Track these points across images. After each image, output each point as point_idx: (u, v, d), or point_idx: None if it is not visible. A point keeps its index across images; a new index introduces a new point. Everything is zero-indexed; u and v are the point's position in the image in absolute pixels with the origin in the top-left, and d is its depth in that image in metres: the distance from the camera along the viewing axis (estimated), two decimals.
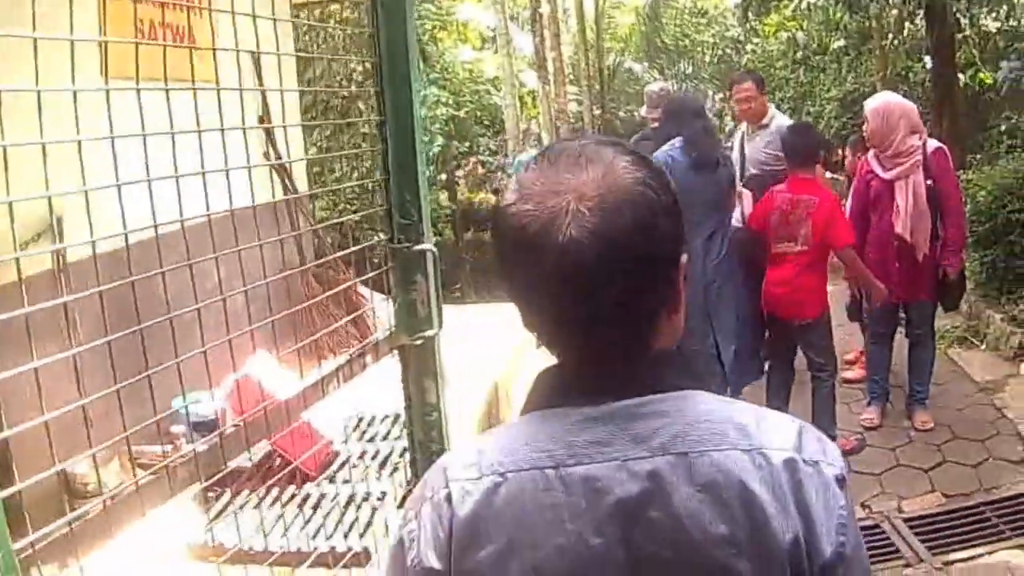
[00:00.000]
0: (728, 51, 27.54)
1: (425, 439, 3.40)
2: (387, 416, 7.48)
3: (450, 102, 19.55)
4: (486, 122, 20.23)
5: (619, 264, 1.62)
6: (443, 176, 21.86)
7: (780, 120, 9.51)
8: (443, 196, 20.61)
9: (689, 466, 1.66)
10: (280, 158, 10.29)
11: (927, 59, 16.60)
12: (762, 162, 9.26)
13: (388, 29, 3.16)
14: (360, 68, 20.14)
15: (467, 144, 20.56)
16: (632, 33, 30.34)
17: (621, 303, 1.66)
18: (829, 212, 7.64)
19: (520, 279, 1.71)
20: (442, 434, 3.42)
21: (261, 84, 10.25)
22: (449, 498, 1.74)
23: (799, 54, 21.00)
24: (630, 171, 1.68)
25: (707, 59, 28.94)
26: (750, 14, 21.86)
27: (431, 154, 19.08)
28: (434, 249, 3.27)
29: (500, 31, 15.95)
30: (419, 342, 3.35)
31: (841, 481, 1.72)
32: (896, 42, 16.75)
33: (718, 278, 7.78)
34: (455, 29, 21.66)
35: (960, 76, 15.67)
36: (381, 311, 10.92)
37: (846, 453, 7.78)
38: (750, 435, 1.71)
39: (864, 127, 8.04)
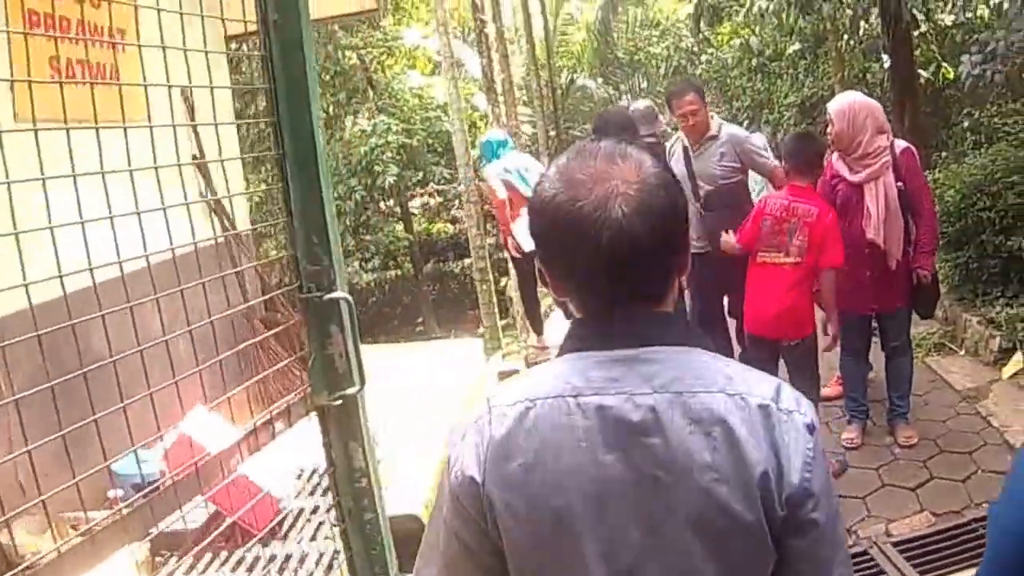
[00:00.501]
0: (683, 62, 27.12)
1: (356, 507, 3.08)
2: None
3: (401, 130, 19.30)
4: (439, 149, 19.78)
5: (658, 235, 2.05)
6: (398, 208, 21.48)
7: (729, 128, 9.00)
8: (399, 228, 20.23)
9: (683, 403, 2.05)
10: (219, 201, 9.94)
11: (885, 58, 16.37)
12: (719, 176, 8.75)
13: (282, 48, 2.81)
14: None
15: (420, 174, 20.21)
16: (584, 50, 30.05)
17: (654, 266, 2.11)
18: (828, 226, 7.27)
19: (571, 254, 2.10)
20: (375, 501, 3.08)
21: (193, 121, 10.02)
22: (489, 420, 2.15)
23: (754, 61, 20.68)
24: (654, 164, 2.15)
25: (661, 72, 28.55)
26: (702, 24, 21.74)
27: (386, 185, 18.88)
28: (348, 297, 2.92)
29: (444, 53, 15.49)
30: (339, 402, 2.95)
31: (811, 428, 2.11)
32: (852, 43, 16.48)
33: None
34: (403, 55, 21.22)
35: (922, 73, 15.38)
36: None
37: None
38: (735, 383, 2.10)
39: (828, 130, 7.66)
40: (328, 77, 19.15)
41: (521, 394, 2.17)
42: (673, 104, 8.85)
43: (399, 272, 22.69)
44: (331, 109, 19.87)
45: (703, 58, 25.91)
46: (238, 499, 5.87)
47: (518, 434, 2.12)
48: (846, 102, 7.75)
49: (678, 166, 8.81)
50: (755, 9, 15.30)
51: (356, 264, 22.66)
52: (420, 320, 20.96)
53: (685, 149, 8.90)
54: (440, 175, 20.53)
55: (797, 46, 18.88)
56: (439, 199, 24.02)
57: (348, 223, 18.67)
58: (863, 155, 7.50)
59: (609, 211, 2.05)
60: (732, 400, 2.08)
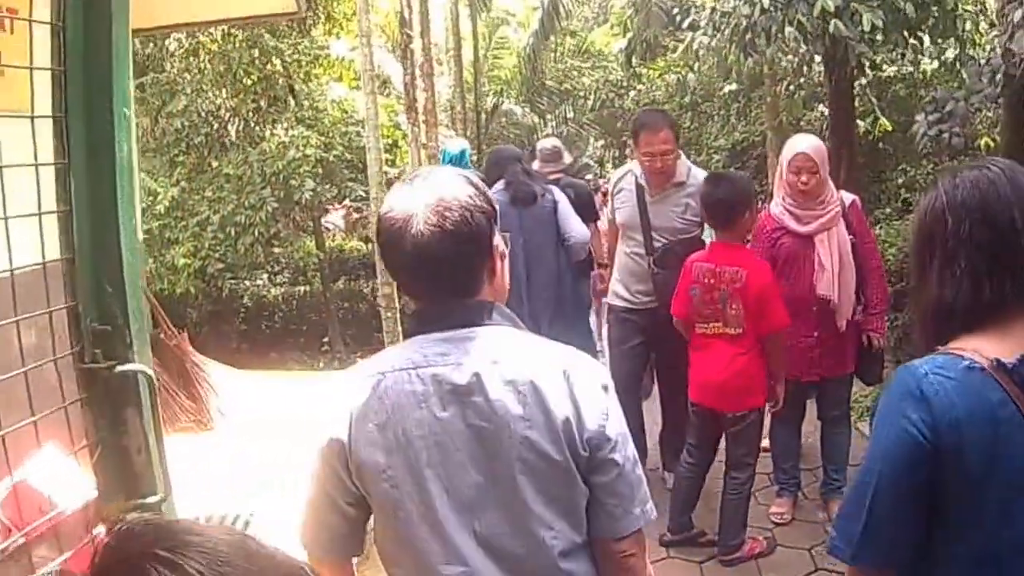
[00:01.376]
0: (611, 95, 26.34)
1: None
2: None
3: (319, 144, 18.44)
4: (360, 166, 18.77)
5: (450, 244, 2.62)
6: (310, 223, 20.64)
7: (699, 174, 7.57)
8: (310, 243, 19.23)
9: (499, 369, 2.63)
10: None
11: (820, 107, 15.72)
12: (679, 230, 7.51)
13: (84, 17, 1.90)
14: (225, 104, 18.73)
15: (335, 190, 19.39)
16: (514, 75, 29.26)
17: (454, 267, 2.68)
18: (761, 288, 6.38)
19: (392, 259, 2.74)
20: None
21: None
22: (349, 391, 2.71)
23: (687, 99, 19.88)
24: (457, 185, 2.71)
25: (589, 103, 27.81)
26: (634, 59, 21.19)
27: (303, 200, 17.93)
28: (149, 371, 2.04)
29: (365, 66, 14.52)
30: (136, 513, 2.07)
31: (605, 388, 2.74)
32: (791, 88, 15.68)
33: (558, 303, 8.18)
34: (329, 66, 20.25)
35: (859, 123, 14.63)
36: (236, 380, 8.96)
37: (755, 556, 6.80)
38: (542, 352, 2.75)
39: (790, 176, 6.73)
40: (250, 82, 18.33)
41: (374, 368, 2.75)
42: (641, 138, 7.39)
43: (308, 288, 21.75)
44: (250, 116, 19.09)
45: (631, 93, 25.05)
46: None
47: (372, 400, 2.66)
48: (817, 141, 7.06)
49: (626, 209, 7.75)
50: (695, 45, 14.40)
51: (265, 277, 21.82)
52: (326, 339, 20.03)
53: (640, 190, 7.60)
54: (356, 192, 19.53)
55: (733, 87, 18.08)
56: (356, 216, 23.03)
57: (258, 234, 17.72)
58: (820, 203, 6.81)
59: (410, 226, 2.60)
60: (539, 365, 2.66)
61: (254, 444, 8.55)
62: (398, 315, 15.11)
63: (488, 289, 2.78)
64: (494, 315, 2.77)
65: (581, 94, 28.74)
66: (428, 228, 2.58)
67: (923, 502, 2.47)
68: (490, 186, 7.37)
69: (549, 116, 29.21)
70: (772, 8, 11.11)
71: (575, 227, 8.21)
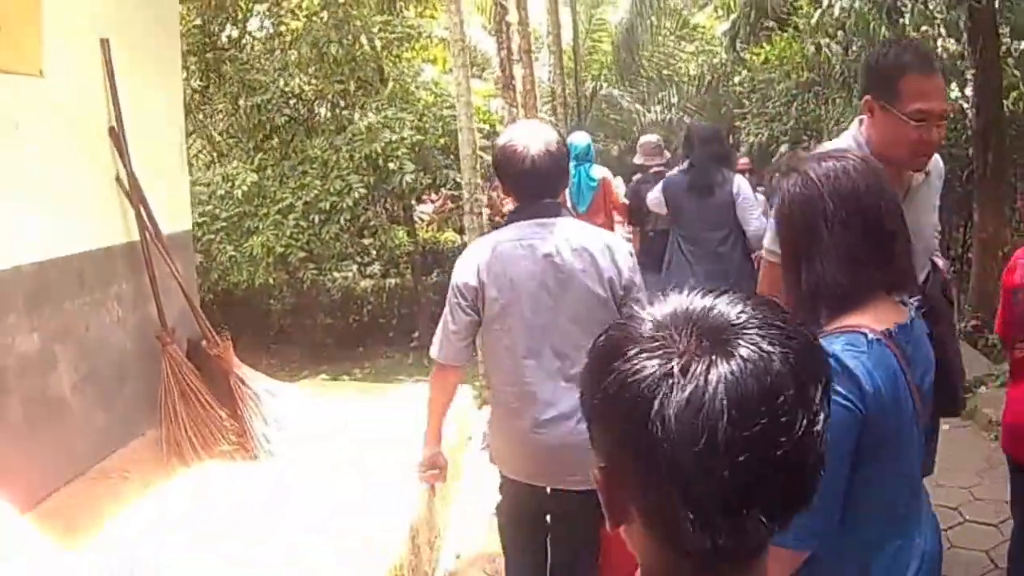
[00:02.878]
0: (716, 77, 24.57)
1: None
2: None
3: (413, 127, 16.86)
4: (455, 153, 17.01)
5: (552, 163, 4.59)
6: (402, 211, 19.29)
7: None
8: (401, 233, 17.74)
9: (568, 241, 4.55)
10: (136, 184, 7.43)
11: (952, 85, 13.86)
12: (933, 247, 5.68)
13: None
14: (310, 86, 17.19)
15: (430, 177, 17.73)
16: (613, 59, 27.43)
17: (551, 179, 4.66)
18: None
19: (511, 171, 4.65)
20: None
21: (111, 83, 7.57)
22: (478, 250, 4.71)
23: (804, 76, 17.84)
24: (551, 130, 4.85)
25: (692, 88, 25.98)
26: (738, 42, 20.50)
27: (402, 184, 16.47)
28: None
29: (453, 35, 12.82)
30: None
31: (631, 254, 4.74)
32: None
33: None
34: (422, 48, 18.65)
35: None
36: (290, 398, 6.96)
37: None
38: (594, 233, 4.77)
39: None
40: (336, 63, 16.88)
41: (492, 240, 4.74)
42: (904, 87, 4.02)
43: (399, 281, 20.09)
44: (336, 98, 17.70)
45: (735, 78, 23.29)
46: None
47: (492, 258, 4.60)
48: None
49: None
50: (836, 10, 12.51)
51: (354, 268, 20.28)
52: (416, 333, 18.31)
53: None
54: (453, 179, 17.82)
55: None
56: (452, 205, 21.34)
57: (344, 222, 16.28)
58: None
59: (528, 150, 4.58)
60: (592, 240, 4.63)
61: (300, 480, 7.09)
62: None
63: (561, 196, 4.99)
64: (563, 211, 4.79)
65: (684, 79, 26.92)
66: (539, 152, 4.57)
67: (850, 467, 2.66)
68: (681, 159, 9.44)
69: (650, 100, 27.36)
70: None
71: (755, 218, 8.58)
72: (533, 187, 4.63)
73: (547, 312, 4.52)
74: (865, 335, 2.69)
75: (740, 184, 8.77)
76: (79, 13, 7.34)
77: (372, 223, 17.67)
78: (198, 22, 17.34)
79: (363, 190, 16.10)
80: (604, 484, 1.48)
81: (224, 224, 16.15)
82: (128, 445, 7.65)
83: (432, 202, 21.61)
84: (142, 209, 7.71)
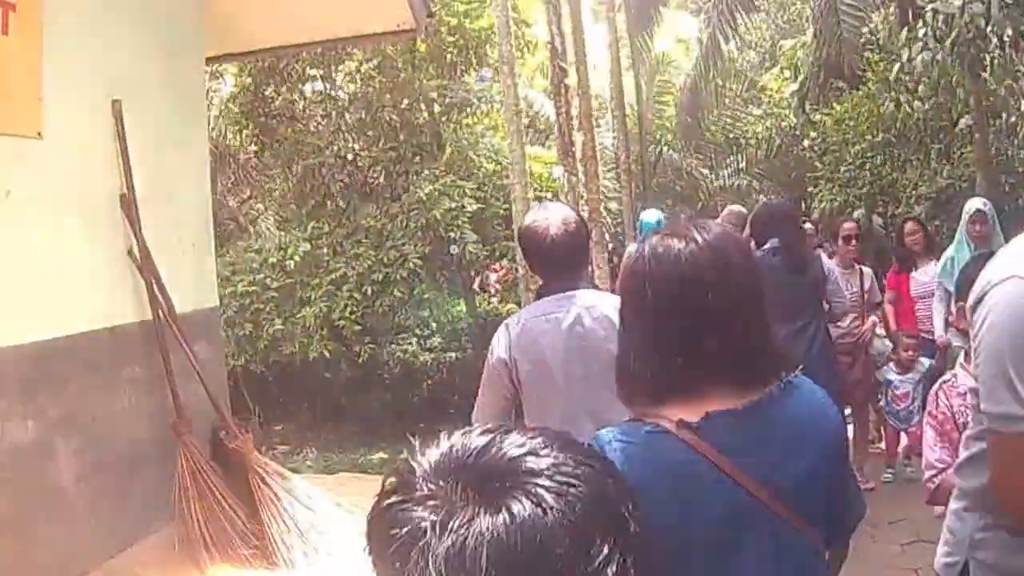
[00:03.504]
0: (786, 141, 23.61)
1: None
2: None
3: (473, 196, 16.17)
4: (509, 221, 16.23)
5: (573, 242, 4.63)
6: (461, 283, 18.49)
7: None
8: (460, 306, 16.94)
9: (590, 311, 4.57)
10: (148, 257, 6.61)
11: None
12: None
13: None
14: (365, 152, 16.50)
15: (489, 248, 17.05)
16: (677, 123, 26.52)
17: (571, 256, 4.70)
18: None
19: (534, 250, 4.71)
20: None
21: (123, 147, 6.89)
22: (508, 328, 4.69)
23: (879, 137, 16.78)
24: (571, 210, 5.08)
25: (760, 152, 25.00)
26: (807, 104, 19.60)
27: (464, 254, 15.79)
28: None
29: (507, 97, 12.02)
30: None
31: None
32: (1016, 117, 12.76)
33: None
34: (481, 114, 17.88)
35: None
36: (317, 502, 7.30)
37: None
38: (611, 300, 4.51)
39: None
40: (391, 129, 16.38)
41: (522, 317, 4.78)
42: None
43: (461, 355, 19.18)
44: (391, 165, 17.01)
45: (805, 142, 22.13)
46: None
47: (521, 334, 4.62)
48: None
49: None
50: (918, 63, 11.36)
51: (414, 342, 19.44)
52: None
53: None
54: (513, 250, 16.97)
55: (967, 120, 14.79)
56: (512, 276, 20.47)
57: (398, 294, 15.64)
58: None
59: (548, 230, 4.61)
60: (611, 306, 4.41)
61: None
62: None
63: (583, 271, 5.10)
64: (584, 284, 4.90)
65: (751, 142, 25.96)
66: (558, 232, 4.62)
67: None
68: (758, 244, 8.38)
69: (717, 167, 26.40)
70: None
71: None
72: (554, 264, 4.80)
73: (578, 381, 4.60)
74: (645, 425, 2.49)
75: (827, 262, 8.84)
76: (86, 70, 6.62)
77: (428, 295, 16.85)
78: (250, 84, 16.78)
79: (418, 260, 15.39)
80: None
81: (274, 295, 15.58)
82: (140, 543, 6.81)
83: (496, 271, 20.84)
84: (155, 285, 6.89)
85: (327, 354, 15.93)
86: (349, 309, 15.27)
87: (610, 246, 18.23)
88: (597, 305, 4.63)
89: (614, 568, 1.29)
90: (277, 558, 6.50)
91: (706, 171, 26.50)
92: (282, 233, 16.90)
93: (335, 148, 16.27)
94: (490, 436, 1.39)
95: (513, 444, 1.37)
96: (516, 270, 18.53)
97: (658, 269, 2.56)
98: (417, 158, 16.72)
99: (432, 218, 15.23)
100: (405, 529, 1.29)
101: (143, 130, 7.05)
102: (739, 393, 2.51)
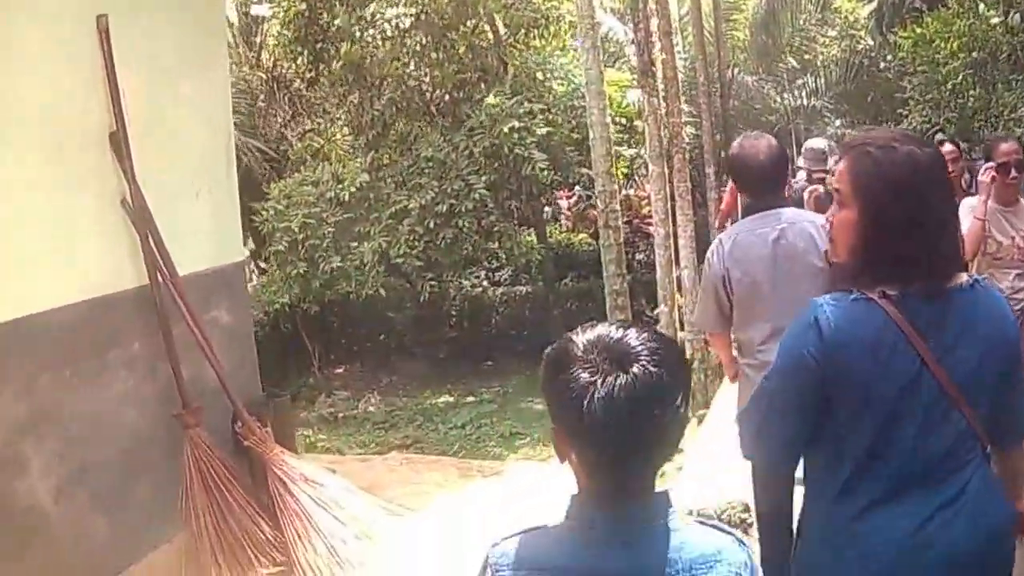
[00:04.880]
0: (863, 62, 21.86)
1: None
2: None
3: (542, 117, 14.51)
4: (588, 147, 14.51)
5: (775, 166, 5.00)
6: (530, 213, 16.94)
7: None
8: (530, 236, 15.93)
9: (792, 225, 4.90)
10: (145, 208, 5.03)
11: None
12: None
13: None
14: (428, 77, 15.16)
15: (559, 173, 15.39)
16: (750, 44, 24.72)
17: (777, 178, 5.09)
18: None
19: (745, 174, 5.11)
20: None
21: (110, 73, 5.34)
22: (722, 243, 5.05)
23: (969, 57, 14.92)
24: (770, 138, 5.30)
25: (834, 76, 23.20)
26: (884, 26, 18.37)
27: (532, 177, 14.20)
28: None
29: (581, 13, 10.41)
30: None
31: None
32: None
33: None
34: (551, 34, 16.20)
35: None
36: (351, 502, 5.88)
37: None
38: (811, 217, 5.12)
39: None
40: (456, 51, 14.84)
41: (733, 232, 5.13)
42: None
43: (530, 288, 17.65)
44: (455, 91, 15.30)
45: (881, 64, 21.13)
46: None
47: (733, 246, 4.95)
48: None
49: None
50: None
51: (483, 276, 18.32)
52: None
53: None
54: (586, 176, 15.51)
55: None
56: (584, 204, 18.82)
57: (464, 226, 14.09)
58: None
59: (757, 155, 4.95)
60: (809, 223, 4.89)
61: None
62: (630, 316, 12.05)
63: (783, 191, 5.29)
64: (785, 203, 5.12)
65: (824, 65, 24.14)
66: (765, 157, 4.94)
67: (809, 413, 2.79)
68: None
69: (788, 88, 24.58)
70: None
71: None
72: (761, 185, 5.08)
73: (782, 288, 4.83)
74: (852, 293, 2.78)
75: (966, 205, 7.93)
76: None
77: (497, 226, 15.26)
78: (305, 9, 15.18)
79: (485, 190, 13.92)
80: (554, 436, 2.17)
81: (332, 230, 14.15)
82: (145, 558, 5.39)
83: (568, 199, 19.25)
84: (152, 241, 5.35)
85: (383, 292, 14.55)
86: (410, 244, 13.85)
87: (691, 172, 16.49)
88: (798, 221, 5.04)
89: (683, 408, 2.12)
90: (301, 568, 5.01)
91: (776, 95, 24.83)
92: (340, 165, 15.45)
93: (396, 73, 14.75)
94: (622, 328, 2.14)
95: (633, 334, 2.11)
96: (587, 198, 16.95)
97: (892, 170, 2.74)
98: (482, 83, 15.14)
99: (498, 141, 13.80)
100: (571, 383, 2.03)
101: (139, 51, 5.48)
102: (935, 282, 2.76)
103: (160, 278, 5.39)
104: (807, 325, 2.74)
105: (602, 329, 2.14)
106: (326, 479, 5.63)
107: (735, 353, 5.35)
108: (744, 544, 2.36)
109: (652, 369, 2.04)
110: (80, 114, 5.18)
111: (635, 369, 2.03)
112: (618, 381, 2.01)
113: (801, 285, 4.69)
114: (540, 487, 6.55)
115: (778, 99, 24.63)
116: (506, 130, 13.67)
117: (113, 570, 5.18)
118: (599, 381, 2.01)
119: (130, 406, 5.39)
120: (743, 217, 5.35)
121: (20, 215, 4.75)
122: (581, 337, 2.12)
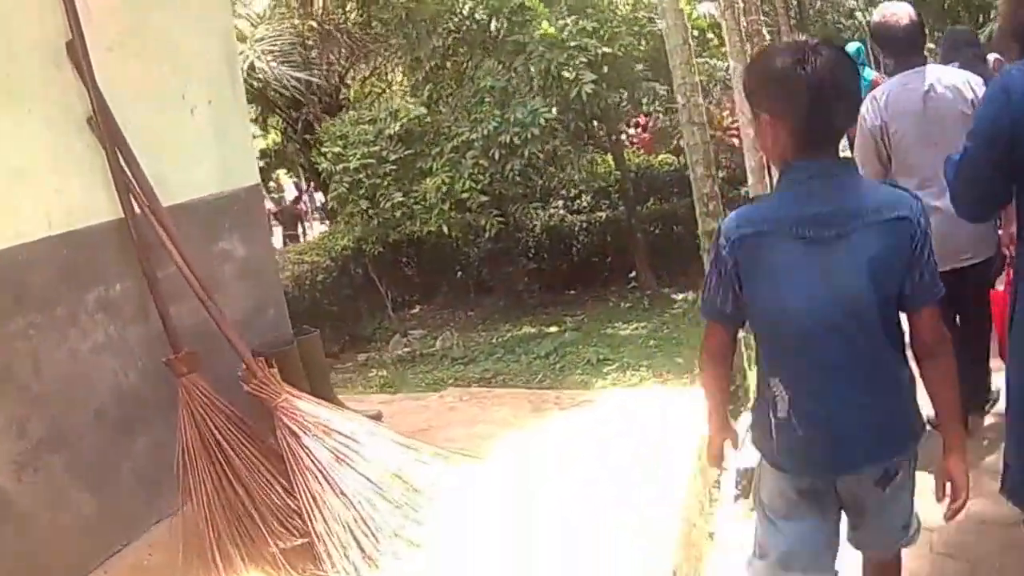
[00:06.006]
0: None
1: None
2: None
3: (597, 36, 13.43)
4: (658, 63, 13.29)
5: (915, 30, 5.20)
6: (603, 134, 15.77)
7: None
8: (606, 160, 15.12)
9: (940, 80, 5.07)
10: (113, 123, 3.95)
11: None
12: None
13: None
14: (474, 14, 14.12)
15: (625, 93, 14.30)
16: None
17: (918, 40, 5.28)
18: None
19: (890, 40, 5.35)
20: None
21: None
22: (876, 99, 5.14)
23: None
24: (908, 5, 5.38)
25: None
26: None
27: (583, 96, 12.86)
28: None
29: None
30: None
31: (983, 84, 5.11)
32: None
33: None
34: None
35: None
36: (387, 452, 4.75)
37: None
38: (958, 72, 5.26)
39: None
40: None
41: (885, 89, 5.15)
42: None
43: (610, 214, 16.72)
44: (513, 15, 14.02)
45: None
46: None
47: (890, 99, 5.09)
48: None
49: None
50: None
51: (560, 205, 17.41)
52: (633, 274, 15.40)
53: None
54: (656, 95, 14.39)
55: None
56: (661, 124, 17.63)
57: (529, 154, 13.03)
58: None
59: (899, 21, 5.12)
60: (956, 77, 5.10)
61: None
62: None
63: (924, 52, 5.51)
64: (930, 61, 5.40)
65: None
66: (907, 22, 5.18)
67: (1004, 171, 3.11)
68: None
69: None
70: None
71: None
72: (905, 47, 5.30)
73: (935, 135, 4.93)
74: None
75: None
76: None
77: (569, 154, 14.33)
78: None
79: (551, 116, 12.89)
80: (761, 126, 2.80)
81: (393, 167, 13.32)
82: (144, 535, 4.59)
83: (641, 123, 18.13)
84: (122, 160, 4.45)
85: (445, 229, 13.67)
86: (474, 178, 13.00)
87: None
88: (944, 76, 5.19)
89: (857, 86, 2.81)
90: (332, 561, 4.06)
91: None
92: (400, 100, 14.66)
93: (450, 5, 13.89)
94: (801, 40, 2.91)
95: (810, 39, 2.81)
96: (659, 117, 15.82)
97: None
98: (541, 3, 13.92)
99: (547, 65, 12.92)
100: (784, 67, 2.69)
101: None
102: None
103: (137, 205, 4.49)
104: (998, 89, 3.08)
105: (787, 41, 3.21)
106: (354, 427, 4.60)
107: None
108: (918, 198, 2.89)
109: (836, 51, 2.75)
110: (31, 23, 4.29)
111: (825, 51, 2.71)
112: (819, 59, 2.67)
113: (952, 131, 4.81)
114: (631, 415, 5.55)
115: (862, 5, 23.50)
116: (562, 56, 12.82)
117: (104, 552, 4.37)
118: (808, 57, 2.67)
119: (111, 357, 4.52)
120: (892, 74, 5.56)
121: None
122: (776, 48, 3.01)
